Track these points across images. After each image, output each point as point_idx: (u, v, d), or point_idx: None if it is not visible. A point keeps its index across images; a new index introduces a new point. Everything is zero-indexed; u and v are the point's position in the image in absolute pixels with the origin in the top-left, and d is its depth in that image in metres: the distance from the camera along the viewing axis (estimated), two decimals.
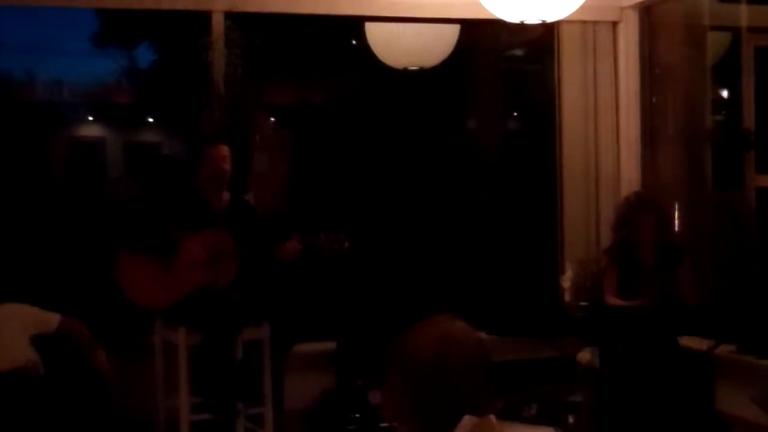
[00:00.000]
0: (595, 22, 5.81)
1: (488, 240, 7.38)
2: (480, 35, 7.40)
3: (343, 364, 5.42)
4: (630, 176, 5.80)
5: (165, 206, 4.69)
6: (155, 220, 4.63)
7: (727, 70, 6.13)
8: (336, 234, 4.73)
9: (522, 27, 5.16)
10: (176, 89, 7.13)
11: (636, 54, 5.84)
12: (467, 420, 1.85)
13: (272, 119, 7.50)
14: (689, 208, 5.75)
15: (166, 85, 8.56)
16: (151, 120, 9.92)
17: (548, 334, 5.19)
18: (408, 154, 7.67)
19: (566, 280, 5.50)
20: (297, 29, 6.20)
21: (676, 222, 5.62)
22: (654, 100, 5.95)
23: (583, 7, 4.93)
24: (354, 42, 7.61)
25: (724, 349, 5.06)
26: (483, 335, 3.82)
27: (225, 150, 4.79)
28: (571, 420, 4.98)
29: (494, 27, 6.41)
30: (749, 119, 6.01)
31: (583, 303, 5.37)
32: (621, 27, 5.84)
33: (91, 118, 9.92)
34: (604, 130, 5.84)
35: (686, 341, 5.09)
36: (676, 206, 5.70)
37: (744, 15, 6.04)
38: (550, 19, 4.89)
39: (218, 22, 5.24)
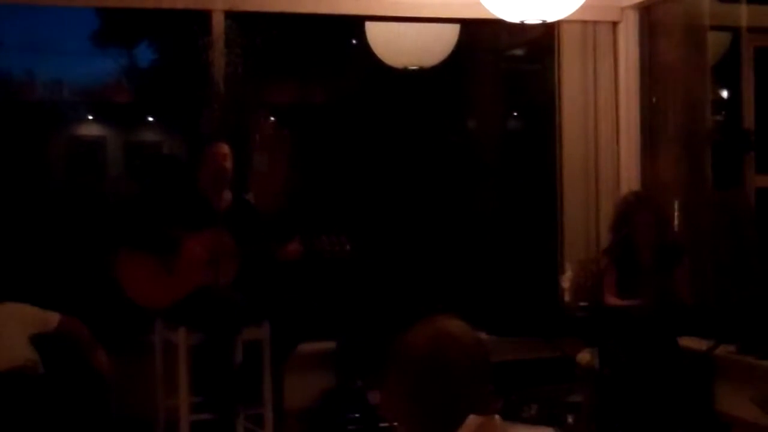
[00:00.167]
0: (595, 22, 5.81)
1: (488, 240, 7.38)
2: (480, 35, 7.40)
3: (342, 364, 5.42)
4: (630, 176, 5.80)
5: (166, 205, 4.69)
6: (156, 219, 4.62)
7: (727, 70, 6.13)
8: (337, 236, 4.72)
9: (522, 27, 5.16)
10: (176, 89, 7.13)
11: (636, 54, 5.84)
12: (472, 419, 1.85)
13: (272, 119, 7.50)
14: (689, 208, 5.74)
15: (166, 85, 8.56)
16: (151, 119, 9.92)
17: (548, 335, 5.20)
18: (408, 153, 7.67)
19: (566, 280, 5.50)
20: (297, 29, 6.20)
21: (676, 222, 5.62)
22: (654, 100, 5.95)
23: (583, 7, 4.94)
24: (354, 41, 7.61)
25: (724, 350, 5.05)
26: (483, 335, 3.83)
27: (226, 149, 4.78)
28: (570, 420, 4.98)
29: (494, 27, 6.41)
30: (749, 119, 6.01)
31: (582, 303, 5.36)
32: (621, 27, 5.84)
33: (91, 118, 9.92)
34: (604, 130, 5.84)
35: (686, 341, 5.09)
36: (676, 206, 5.69)
37: (744, 15, 6.04)
38: (550, 19, 4.89)
39: (218, 22, 5.23)
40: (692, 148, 5.82)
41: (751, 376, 4.97)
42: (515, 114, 8.79)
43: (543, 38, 6.27)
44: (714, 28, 5.95)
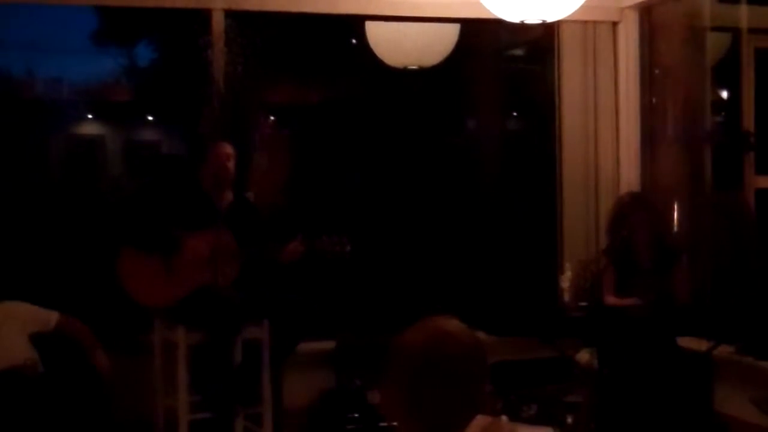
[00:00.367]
0: (595, 22, 5.81)
1: (487, 240, 7.38)
2: (480, 35, 7.40)
3: (342, 363, 5.42)
4: (629, 177, 5.80)
5: (168, 204, 4.68)
6: (158, 218, 4.62)
7: (727, 71, 6.13)
8: (338, 236, 4.72)
9: (522, 27, 5.15)
10: (176, 88, 7.13)
11: (636, 54, 5.84)
12: (479, 420, 1.85)
13: (272, 118, 7.49)
14: (689, 209, 5.74)
15: (166, 84, 8.55)
16: (150, 118, 9.91)
17: (547, 335, 5.20)
18: (407, 153, 7.67)
19: (565, 281, 5.50)
20: (297, 28, 6.20)
21: (676, 223, 5.62)
22: (654, 100, 5.95)
23: (583, 7, 4.93)
24: (354, 41, 7.60)
25: (723, 350, 5.06)
26: (482, 335, 3.83)
27: (229, 149, 4.78)
28: (570, 420, 4.99)
29: (494, 27, 6.40)
30: (749, 120, 6.00)
31: (582, 303, 5.37)
32: (621, 27, 5.84)
33: (90, 116, 9.91)
34: (604, 131, 5.84)
35: (685, 342, 5.09)
36: (676, 207, 5.70)
37: (744, 16, 6.04)
38: (550, 19, 4.89)
39: (218, 21, 5.23)
40: (692, 149, 5.82)
41: (751, 376, 4.97)
42: (515, 114, 8.79)
43: (543, 38, 6.27)
44: (714, 28, 5.95)
